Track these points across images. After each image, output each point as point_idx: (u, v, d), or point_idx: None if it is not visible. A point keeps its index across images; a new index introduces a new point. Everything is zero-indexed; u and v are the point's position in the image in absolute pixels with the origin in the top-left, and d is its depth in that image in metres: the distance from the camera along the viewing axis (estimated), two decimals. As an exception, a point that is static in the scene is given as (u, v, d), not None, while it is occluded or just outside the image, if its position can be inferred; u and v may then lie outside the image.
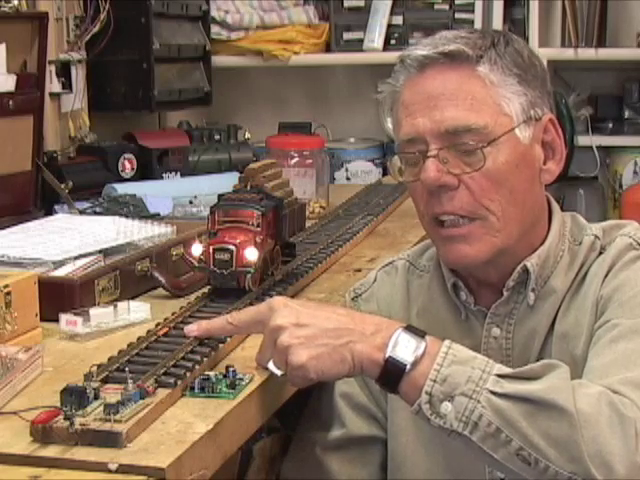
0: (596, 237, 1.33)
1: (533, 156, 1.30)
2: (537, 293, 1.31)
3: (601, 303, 1.27)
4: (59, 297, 1.41)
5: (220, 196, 1.48)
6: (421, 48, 1.30)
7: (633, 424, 1.06)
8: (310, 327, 1.13)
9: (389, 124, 1.37)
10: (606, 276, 1.29)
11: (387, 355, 1.11)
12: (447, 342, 1.13)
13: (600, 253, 1.32)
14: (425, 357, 1.11)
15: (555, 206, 1.37)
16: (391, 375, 1.12)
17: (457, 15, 3.04)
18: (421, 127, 1.27)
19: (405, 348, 1.11)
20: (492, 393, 1.07)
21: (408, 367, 1.10)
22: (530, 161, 1.29)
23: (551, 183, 1.36)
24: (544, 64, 1.36)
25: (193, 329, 1.22)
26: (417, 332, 1.13)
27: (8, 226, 1.74)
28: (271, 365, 1.17)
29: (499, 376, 1.09)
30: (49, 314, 1.35)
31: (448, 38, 1.30)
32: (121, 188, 2.21)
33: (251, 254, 1.39)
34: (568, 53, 2.93)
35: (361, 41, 3.10)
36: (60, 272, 1.49)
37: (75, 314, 1.36)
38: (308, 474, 1.44)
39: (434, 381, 1.09)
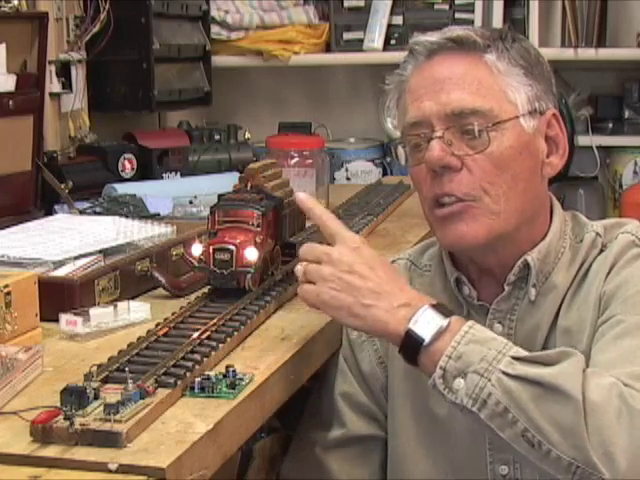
0: (597, 234, 1.34)
1: (537, 147, 1.31)
2: (538, 289, 1.32)
3: (604, 299, 1.28)
4: (59, 297, 1.41)
5: (220, 196, 1.48)
6: (430, 35, 1.32)
7: None
8: (350, 276, 1.20)
9: (389, 124, 1.39)
10: (609, 273, 1.29)
11: (407, 328, 1.16)
12: (470, 322, 1.17)
13: (601, 250, 1.33)
14: (446, 334, 1.15)
15: (556, 204, 1.38)
16: (410, 348, 1.17)
17: (457, 15, 3.04)
18: (427, 110, 1.29)
19: (427, 324, 1.16)
20: (504, 373, 1.10)
21: (426, 341, 1.15)
22: (533, 152, 1.31)
23: (553, 182, 1.37)
24: (549, 67, 1.37)
25: (304, 197, 1.34)
26: (443, 311, 1.18)
27: (8, 226, 1.74)
28: (299, 268, 1.26)
29: (514, 358, 1.12)
30: (49, 314, 1.35)
31: (459, 28, 1.33)
32: (121, 188, 2.21)
33: (251, 254, 1.39)
34: (568, 53, 2.93)
35: (361, 41, 3.10)
36: (60, 272, 1.49)
37: (75, 314, 1.35)
38: (308, 474, 1.44)
39: (449, 357, 1.13)
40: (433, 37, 1.32)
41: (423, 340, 1.15)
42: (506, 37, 1.32)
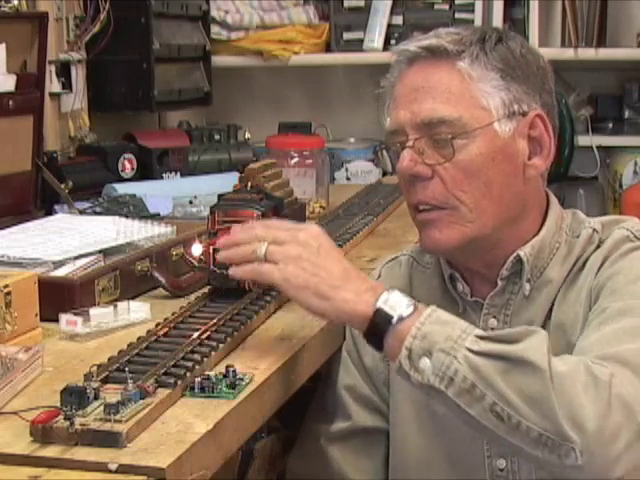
0: (594, 230, 1.35)
1: (515, 150, 1.31)
2: (533, 284, 1.33)
3: (595, 292, 1.29)
4: (59, 297, 1.41)
5: (220, 196, 1.48)
6: (408, 43, 1.35)
7: (607, 388, 1.08)
8: (318, 258, 1.19)
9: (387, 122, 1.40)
10: (601, 266, 1.30)
11: (377, 306, 1.16)
12: (434, 307, 1.17)
13: (598, 246, 1.33)
14: (411, 316, 1.15)
15: (553, 200, 1.38)
16: (378, 327, 1.16)
17: (457, 15, 3.03)
18: (402, 119, 1.31)
19: (394, 304, 1.16)
20: (469, 351, 1.11)
21: (394, 320, 1.15)
22: (511, 155, 1.30)
23: (552, 182, 1.37)
24: (544, 63, 1.37)
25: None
26: (409, 297, 1.18)
27: (8, 226, 1.74)
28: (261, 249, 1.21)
29: (478, 337, 1.12)
30: (49, 314, 1.35)
31: (437, 34, 1.34)
32: (121, 188, 2.21)
33: (251, 254, 1.39)
34: (568, 53, 2.93)
35: (361, 41, 3.10)
36: (60, 272, 1.49)
37: (75, 314, 1.35)
38: (314, 466, 1.46)
39: (414, 337, 1.13)
40: (410, 46, 1.33)
41: (391, 318, 1.15)
42: (489, 39, 1.32)
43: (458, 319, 1.16)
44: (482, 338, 1.12)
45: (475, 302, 1.36)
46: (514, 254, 1.32)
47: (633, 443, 1.08)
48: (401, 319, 1.15)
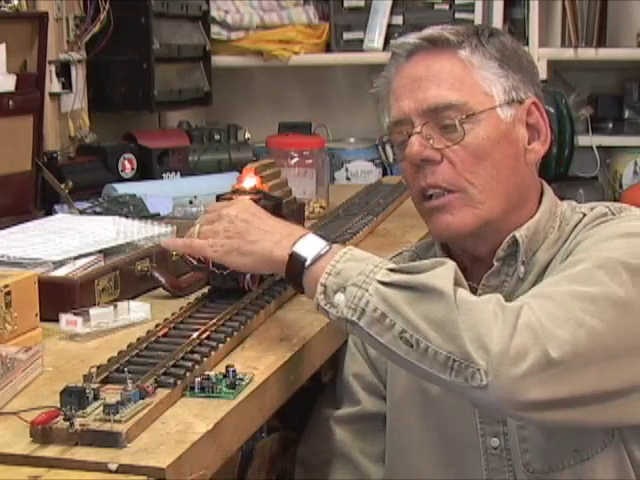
0: (584, 215, 1.37)
1: (516, 136, 1.35)
2: (526, 266, 1.35)
3: (564, 258, 1.31)
4: (59, 297, 1.41)
5: (219, 196, 1.48)
6: (407, 37, 1.38)
7: (515, 315, 1.11)
8: (236, 224, 1.31)
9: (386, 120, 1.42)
10: (575, 237, 1.34)
11: (292, 250, 1.23)
12: (350, 246, 1.24)
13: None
14: (326, 255, 1.21)
15: (547, 188, 1.42)
16: (294, 270, 1.23)
17: (457, 15, 3.04)
18: (406, 108, 1.34)
19: (309, 247, 1.23)
20: (380, 283, 1.16)
21: (308, 262, 1.22)
22: (513, 140, 1.35)
23: (552, 181, 1.39)
24: (532, 59, 1.42)
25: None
26: (326, 238, 1.25)
27: (8, 226, 1.74)
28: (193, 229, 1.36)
29: (390, 270, 1.17)
30: (49, 314, 1.35)
31: (433, 28, 1.38)
32: (121, 188, 2.21)
33: (251, 254, 1.39)
34: (568, 53, 2.93)
35: (361, 41, 3.10)
36: (60, 272, 1.49)
37: (75, 314, 1.35)
38: (322, 447, 1.49)
39: (329, 274, 1.19)
40: (410, 39, 1.37)
41: (305, 259, 1.22)
42: (482, 32, 1.37)
43: (374, 256, 1.21)
44: (393, 271, 1.17)
45: (470, 287, 1.37)
46: (510, 235, 1.34)
47: (538, 368, 1.09)
48: (316, 259, 1.21)
